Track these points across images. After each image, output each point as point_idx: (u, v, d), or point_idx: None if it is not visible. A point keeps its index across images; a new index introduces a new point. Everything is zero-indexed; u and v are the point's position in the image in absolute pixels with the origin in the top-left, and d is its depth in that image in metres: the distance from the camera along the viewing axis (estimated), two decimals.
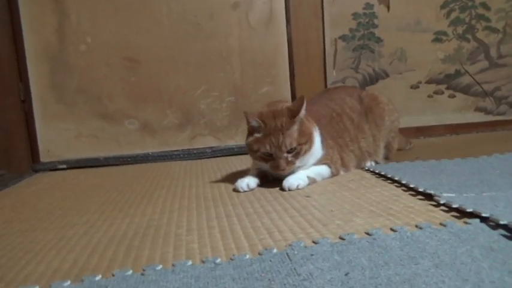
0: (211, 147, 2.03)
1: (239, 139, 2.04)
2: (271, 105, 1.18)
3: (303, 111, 1.12)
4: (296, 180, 1.12)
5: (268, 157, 1.11)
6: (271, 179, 1.22)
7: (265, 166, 1.14)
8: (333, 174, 1.25)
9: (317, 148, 1.19)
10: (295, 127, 1.12)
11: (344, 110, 1.36)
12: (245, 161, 1.77)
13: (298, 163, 1.13)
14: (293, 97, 2.02)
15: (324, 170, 1.22)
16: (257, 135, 1.13)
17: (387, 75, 2.14)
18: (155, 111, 1.99)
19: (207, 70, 2.00)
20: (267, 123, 1.11)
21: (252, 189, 1.15)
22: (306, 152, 1.14)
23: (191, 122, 2.02)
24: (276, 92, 2.02)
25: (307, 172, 1.17)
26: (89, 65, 1.92)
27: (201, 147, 2.03)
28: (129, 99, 1.97)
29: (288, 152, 1.11)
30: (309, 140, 1.15)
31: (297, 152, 1.12)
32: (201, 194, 1.17)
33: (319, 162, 1.21)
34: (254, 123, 1.12)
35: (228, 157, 1.97)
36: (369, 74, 2.13)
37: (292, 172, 1.14)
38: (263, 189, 1.15)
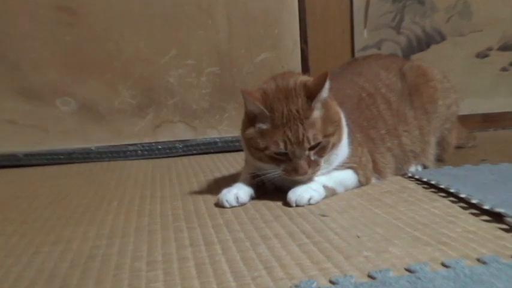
0: (184, 141, 2.03)
1: (224, 128, 2.05)
2: (279, 79, 1.17)
3: (324, 92, 1.13)
4: (307, 191, 1.13)
5: (282, 157, 1.12)
6: (272, 188, 1.23)
7: (275, 170, 1.15)
8: (361, 184, 1.26)
9: (343, 144, 1.20)
10: (318, 112, 1.13)
11: (378, 89, 1.37)
12: (233, 161, 1.78)
13: (323, 164, 1.15)
14: (305, 69, 2.03)
15: (348, 177, 1.23)
16: (262, 126, 1.13)
17: (443, 38, 2.15)
18: (102, 87, 1.99)
19: (179, 28, 2.00)
20: (275, 109, 1.11)
21: (243, 204, 1.16)
22: (334, 146, 1.15)
23: (155, 103, 2.03)
24: (280, 61, 2.03)
25: (323, 180, 1.18)
26: (2, 16, 1.91)
27: (169, 140, 2.04)
28: (64, 68, 1.97)
29: (310, 149, 1.12)
30: (338, 130, 1.16)
31: (323, 146, 1.13)
32: (168, 210, 1.18)
33: (342, 165, 1.22)
34: (255, 109, 1.12)
35: (207, 155, 1.98)
36: (416, 36, 2.14)
37: (310, 179, 1.16)
38: (259, 204, 1.16)
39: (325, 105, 1.14)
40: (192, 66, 2.02)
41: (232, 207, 1.15)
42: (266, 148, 1.12)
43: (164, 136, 2.04)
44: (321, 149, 1.13)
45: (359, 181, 1.25)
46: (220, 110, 2.05)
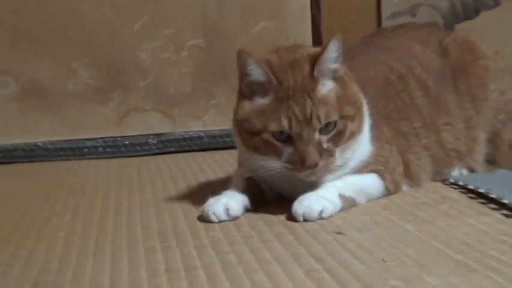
0: (158, 135, 2.03)
1: (211, 119, 2.06)
2: (283, 51, 1.19)
3: (330, 58, 1.13)
4: (318, 202, 1.13)
5: (285, 143, 1.12)
6: (272, 197, 1.24)
7: (274, 162, 1.14)
8: (389, 192, 1.27)
9: (363, 138, 1.21)
10: (326, 88, 1.14)
11: (412, 69, 1.38)
12: (222, 162, 1.78)
13: (338, 156, 1.15)
14: (316, 41, 2.03)
15: (371, 183, 1.24)
16: (262, 101, 1.14)
17: (496, 3, 2.15)
18: (51, 64, 1.99)
19: None
20: (281, 79, 1.12)
21: (234, 218, 1.16)
22: (352, 136, 1.16)
23: (120, 86, 2.03)
24: (285, 32, 2.03)
25: (339, 186, 1.18)
26: None
27: (139, 133, 2.03)
28: (1, 39, 1.96)
29: (322, 133, 1.12)
30: (358, 115, 1.17)
31: (339, 131, 1.13)
32: (137, 225, 1.18)
33: (364, 167, 1.23)
34: (257, 74, 1.13)
35: (189, 153, 1.98)
36: (461, 0, 2.14)
37: (321, 179, 1.16)
38: (256, 218, 1.16)
39: (341, 83, 1.16)
40: (169, 37, 2.02)
41: (220, 221, 1.14)
42: (264, 129, 1.12)
43: (133, 129, 2.04)
44: (337, 134, 1.13)
45: (386, 188, 1.26)
46: (206, 95, 2.05)
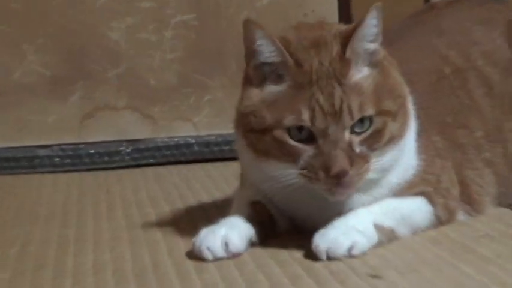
0: (134, 142, 2.05)
1: (204, 120, 2.07)
2: (304, 28, 1.22)
3: (367, 35, 1.14)
4: (347, 234, 1.13)
5: (303, 143, 1.12)
6: (285, 227, 1.25)
7: (288, 171, 1.15)
8: (440, 221, 1.27)
9: (407, 148, 1.21)
10: (361, 74, 1.14)
11: (472, 61, 1.38)
12: (218, 177, 1.79)
13: (374, 164, 1.14)
14: (344, 18, 2.04)
15: (417, 209, 1.24)
16: (273, 87, 1.15)
17: None
18: None
19: None
20: (301, 59, 1.13)
21: (236, 255, 1.16)
22: (393, 138, 1.15)
23: (84, 76, 2.04)
24: (302, 5, 2.06)
25: (374, 213, 1.19)
26: None
27: (109, 139, 2.05)
28: None
29: (354, 131, 1.12)
30: (402, 112, 1.17)
31: (376, 131, 1.13)
32: (107, 264, 1.19)
33: (407, 187, 1.23)
34: (269, 52, 1.13)
35: (174, 166, 2.00)
36: None
37: (351, 195, 1.17)
38: (264, 255, 1.17)
39: (380, 69, 1.17)
40: (149, 12, 2.04)
41: (217, 259, 1.15)
42: (277, 123, 1.12)
43: (100, 133, 2.05)
44: (373, 135, 1.13)
45: (436, 217, 1.26)
46: (197, 89, 2.06)
